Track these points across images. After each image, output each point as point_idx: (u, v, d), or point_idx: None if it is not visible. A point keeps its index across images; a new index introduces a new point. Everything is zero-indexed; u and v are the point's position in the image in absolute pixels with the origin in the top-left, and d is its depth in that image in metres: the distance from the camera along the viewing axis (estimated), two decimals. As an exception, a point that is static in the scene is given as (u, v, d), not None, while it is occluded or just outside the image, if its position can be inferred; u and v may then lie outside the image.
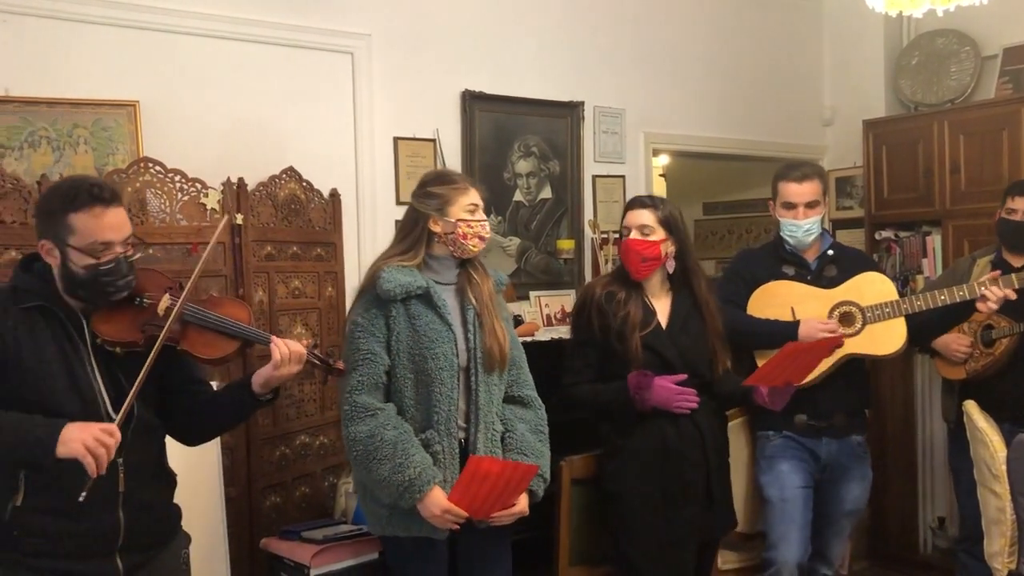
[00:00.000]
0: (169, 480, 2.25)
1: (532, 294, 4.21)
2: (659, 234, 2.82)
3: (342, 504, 3.33)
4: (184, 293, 2.09)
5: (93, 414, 1.97)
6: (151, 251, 2.99)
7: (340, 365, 2.27)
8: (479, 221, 2.55)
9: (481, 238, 2.55)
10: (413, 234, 2.57)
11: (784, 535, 3.05)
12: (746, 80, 5.03)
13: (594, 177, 4.51)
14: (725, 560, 3.34)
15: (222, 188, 3.23)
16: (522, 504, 2.49)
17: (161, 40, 3.34)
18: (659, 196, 3.12)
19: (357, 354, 2.45)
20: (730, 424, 3.16)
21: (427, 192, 2.58)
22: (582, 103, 4.43)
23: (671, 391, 2.74)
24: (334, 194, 3.67)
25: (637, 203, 2.89)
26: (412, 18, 3.94)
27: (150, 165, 3.09)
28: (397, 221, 3.86)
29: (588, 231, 4.43)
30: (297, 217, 3.50)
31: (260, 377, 2.16)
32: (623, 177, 4.61)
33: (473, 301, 2.56)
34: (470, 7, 4.11)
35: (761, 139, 5.10)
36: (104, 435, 1.86)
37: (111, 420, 1.94)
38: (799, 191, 3.12)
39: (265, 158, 3.47)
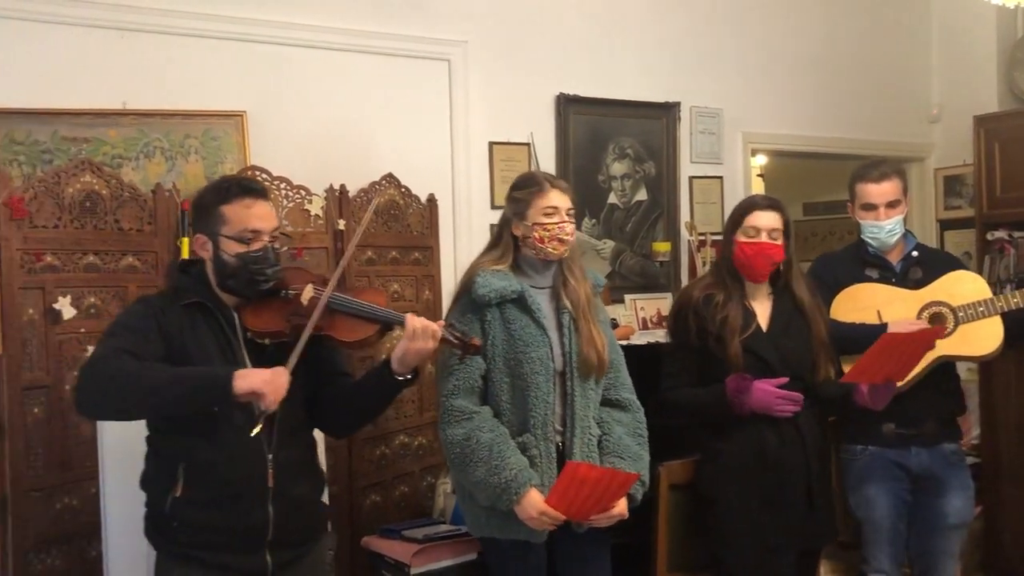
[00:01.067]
0: (318, 479, 2.34)
1: (627, 297, 4.19)
2: (783, 237, 2.77)
3: (440, 504, 3.38)
4: (331, 284, 2.19)
5: (247, 403, 2.07)
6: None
7: (476, 342, 2.28)
8: (556, 223, 2.50)
9: (560, 240, 2.51)
10: (502, 238, 2.59)
11: (875, 554, 2.98)
12: (848, 76, 4.89)
13: (691, 178, 4.45)
14: (826, 569, 3.26)
15: (325, 195, 3.32)
16: (621, 507, 2.46)
17: (267, 52, 3.46)
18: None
19: (453, 358, 2.47)
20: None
21: (511, 196, 2.60)
22: (678, 104, 4.38)
23: (771, 394, 2.67)
24: (431, 199, 3.73)
25: (765, 205, 2.79)
26: (508, 24, 3.98)
27: (257, 173, 3.19)
28: (492, 225, 3.90)
29: (685, 233, 4.38)
30: (396, 222, 3.57)
31: (397, 353, 2.20)
32: (720, 178, 4.55)
33: (568, 305, 2.54)
34: (566, 11, 4.13)
35: (864, 137, 4.95)
36: (275, 375, 1.98)
37: (262, 412, 2.04)
38: (879, 191, 3.01)
39: (365, 165, 3.55)
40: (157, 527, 2.18)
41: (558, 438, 2.50)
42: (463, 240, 3.86)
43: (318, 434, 2.41)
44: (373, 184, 3.50)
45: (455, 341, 2.25)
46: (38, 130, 3.05)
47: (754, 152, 4.78)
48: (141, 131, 3.21)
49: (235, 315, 2.19)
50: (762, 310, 2.81)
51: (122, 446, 2.62)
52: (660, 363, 2.89)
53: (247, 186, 2.18)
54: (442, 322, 2.24)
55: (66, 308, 2.77)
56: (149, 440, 2.21)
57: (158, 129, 3.24)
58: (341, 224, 3.33)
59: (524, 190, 2.56)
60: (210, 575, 2.11)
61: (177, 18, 3.28)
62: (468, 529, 2.65)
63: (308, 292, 2.21)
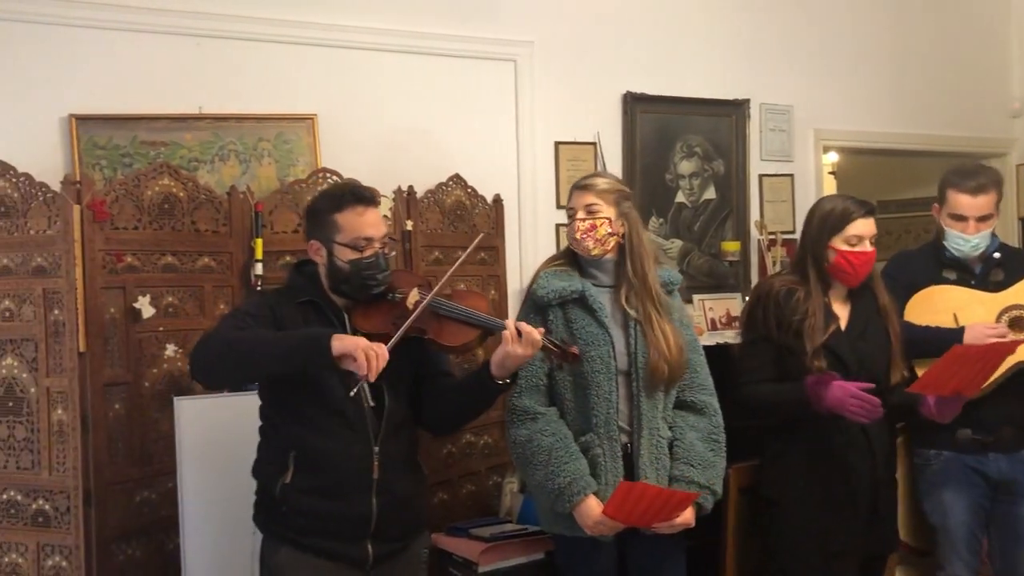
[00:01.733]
0: (420, 476, 2.39)
1: (696, 297, 4.14)
2: None
3: (507, 503, 3.39)
4: (435, 289, 2.26)
5: (355, 399, 2.14)
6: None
7: (574, 350, 2.29)
8: (580, 219, 2.52)
9: (575, 240, 2.52)
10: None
11: (951, 561, 2.89)
12: (924, 70, 4.77)
13: (760, 176, 4.39)
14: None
15: (393, 196, 3.35)
16: (686, 516, 2.43)
17: (337, 56, 3.52)
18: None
19: None
20: (900, 440, 3.00)
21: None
22: (747, 101, 4.33)
23: (847, 392, 2.53)
24: (497, 199, 3.74)
25: (864, 212, 2.68)
26: (574, 23, 3.97)
27: (327, 175, 3.24)
28: (558, 225, 3.92)
29: (754, 232, 4.31)
30: (462, 222, 3.59)
31: (496, 358, 2.23)
32: (791, 176, 4.47)
33: (633, 304, 2.52)
34: (632, 9, 4.10)
35: (940, 133, 4.81)
36: (374, 345, 2.01)
37: (371, 406, 2.12)
38: (973, 204, 2.88)
39: (432, 166, 3.59)
40: (267, 511, 2.26)
41: (624, 438, 2.48)
42: (529, 240, 3.87)
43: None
44: (440, 185, 3.53)
45: (554, 349, 2.27)
46: (118, 135, 3.15)
47: (826, 149, 4.68)
48: (216, 135, 3.29)
49: (345, 316, 2.27)
50: (841, 310, 2.74)
51: (199, 444, 2.71)
52: (733, 360, 2.83)
53: (359, 194, 2.25)
54: (542, 329, 2.25)
55: (145, 307, 2.85)
56: (262, 429, 2.30)
57: (232, 133, 3.32)
58: (409, 224, 3.36)
59: (573, 190, 2.62)
60: (314, 560, 2.19)
61: (251, 24, 3.36)
62: (539, 525, 2.65)
63: (414, 296, 2.28)
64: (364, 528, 2.21)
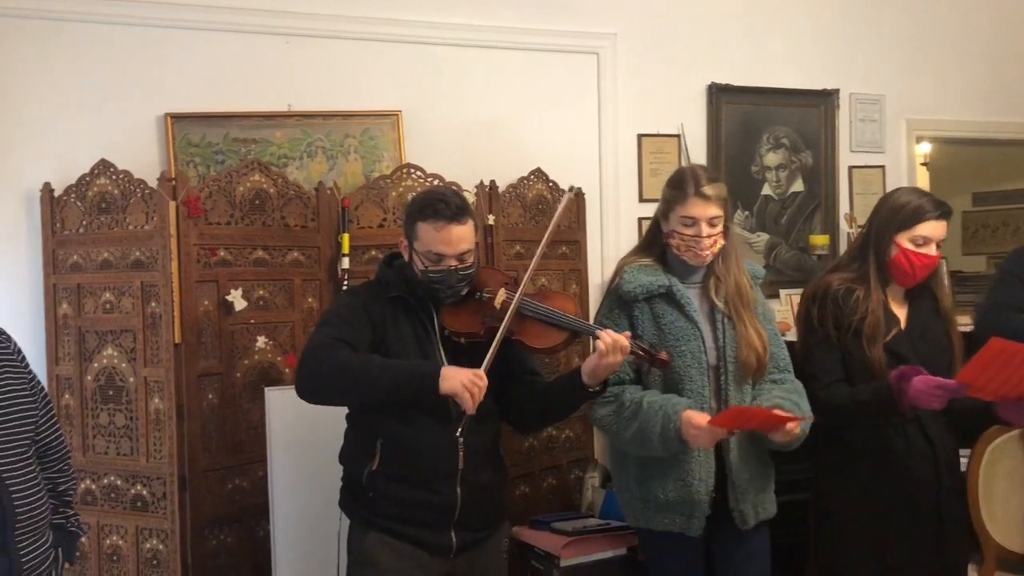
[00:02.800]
0: (501, 467, 2.43)
1: (782, 292, 4.06)
2: None
3: (589, 498, 3.38)
4: (521, 288, 2.27)
5: (451, 400, 2.18)
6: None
7: (663, 356, 2.28)
8: (692, 236, 2.42)
9: (696, 254, 2.44)
10: (650, 233, 2.59)
11: None
12: (1022, 57, 4.56)
13: (850, 168, 4.27)
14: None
15: (475, 190, 3.38)
16: (794, 430, 2.31)
17: (421, 52, 3.55)
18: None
19: None
20: (1006, 437, 2.88)
21: (663, 191, 2.55)
22: (837, 91, 4.21)
23: (930, 384, 2.37)
24: (579, 193, 3.73)
25: (938, 214, 2.55)
26: (657, 14, 3.93)
27: (412, 171, 3.28)
28: (640, 219, 3.89)
29: (844, 225, 4.20)
30: (544, 216, 3.59)
31: (587, 367, 2.25)
32: (882, 167, 4.34)
33: (722, 298, 2.48)
34: (717, -1, 4.04)
35: (1041, 121, 4.61)
36: (475, 378, 2.09)
37: (462, 413, 2.14)
38: None
39: (514, 160, 3.60)
40: (353, 497, 2.31)
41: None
42: (610, 234, 3.85)
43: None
44: (521, 179, 3.53)
45: (642, 354, 2.26)
46: (211, 133, 3.24)
47: (918, 139, 4.53)
48: (304, 132, 3.36)
49: (434, 311, 2.30)
50: (899, 311, 2.63)
51: (289, 434, 2.77)
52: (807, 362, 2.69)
53: (440, 209, 2.21)
54: (627, 333, 2.25)
55: (237, 300, 2.94)
56: (349, 417, 2.36)
57: (320, 130, 3.38)
58: (491, 219, 3.38)
59: (671, 189, 2.51)
60: (400, 545, 2.23)
61: (338, 22, 3.42)
62: (625, 520, 2.63)
63: (501, 296, 2.30)
64: (448, 516, 2.24)
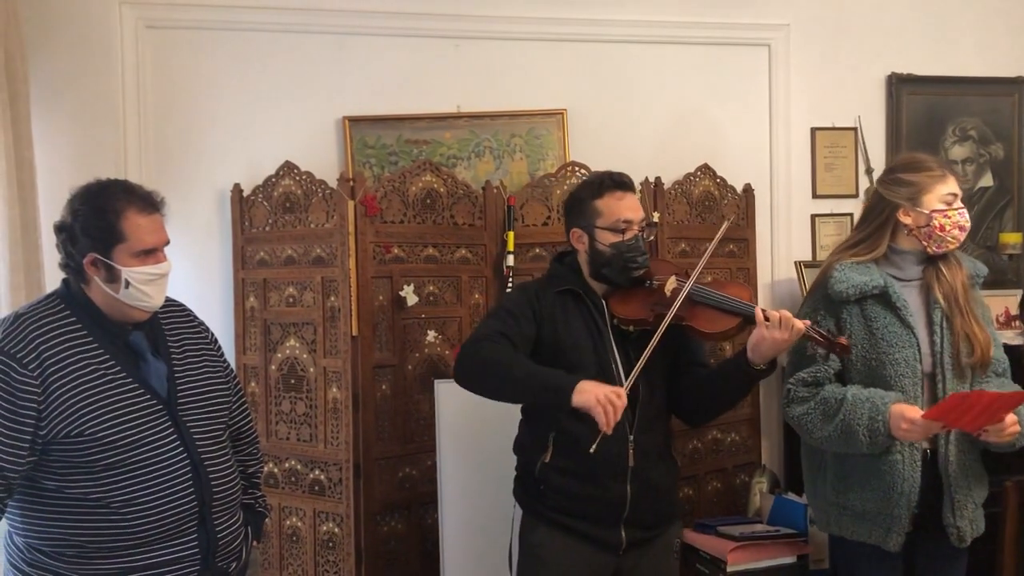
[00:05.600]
0: (673, 466, 2.41)
1: (968, 293, 3.81)
2: None
3: (756, 503, 3.29)
4: (693, 275, 2.27)
5: (609, 381, 2.19)
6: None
7: (843, 341, 2.19)
8: (958, 210, 2.29)
9: (962, 228, 2.29)
10: (875, 223, 2.37)
11: None
12: None
13: (1047, 160, 3.97)
14: None
15: (640, 187, 3.35)
16: (1013, 421, 2.16)
17: (585, 50, 3.56)
18: None
19: (802, 358, 2.36)
20: None
21: (897, 179, 2.35)
22: (1031, 78, 3.92)
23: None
24: (747, 189, 3.63)
25: None
26: (834, 4, 3.77)
27: (576, 168, 3.29)
28: (813, 215, 3.74)
29: (1039, 222, 3.91)
30: (711, 213, 3.52)
31: (752, 342, 2.19)
32: (1087, 159, 4.01)
33: (940, 299, 2.31)
34: (897, -16, 3.84)
35: None
36: (613, 395, 2.05)
37: (599, 432, 2.11)
38: None
39: (680, 156, 3.55)
40: (526, 489, 2.35)
41: (925, 444, 2.27)
42: (781, 232, 3.73)
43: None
44: (687, 175, 3.48)
45: (820, 339, 2.17)
46: (386, 135, 3.37)
47: None
48: (472, 132, 3.44)
49: (604, 302, 2.32)
50: None
51: (457, 425, 2.85)
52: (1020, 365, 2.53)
53: (618, 180, 2.34)
54: (807, 322, 2.18)
55: (410, 296, 3.04)
56: (523, 409, 2.41)
57: (487, 130, 3.45)
58: (656, 216, 3.34)
59: (919, 173, 2.33)
60: (569, 539, 2.25)
61: (505, 24, 3.47)
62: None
63: (671, 283, 2.29)
64: (618, 513, 2.24)
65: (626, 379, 2.18)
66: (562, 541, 2.25)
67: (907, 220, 2.32)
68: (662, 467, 2.32)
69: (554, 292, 2.32)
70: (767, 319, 2.13)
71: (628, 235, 2.28)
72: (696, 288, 2.25)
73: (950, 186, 2.31)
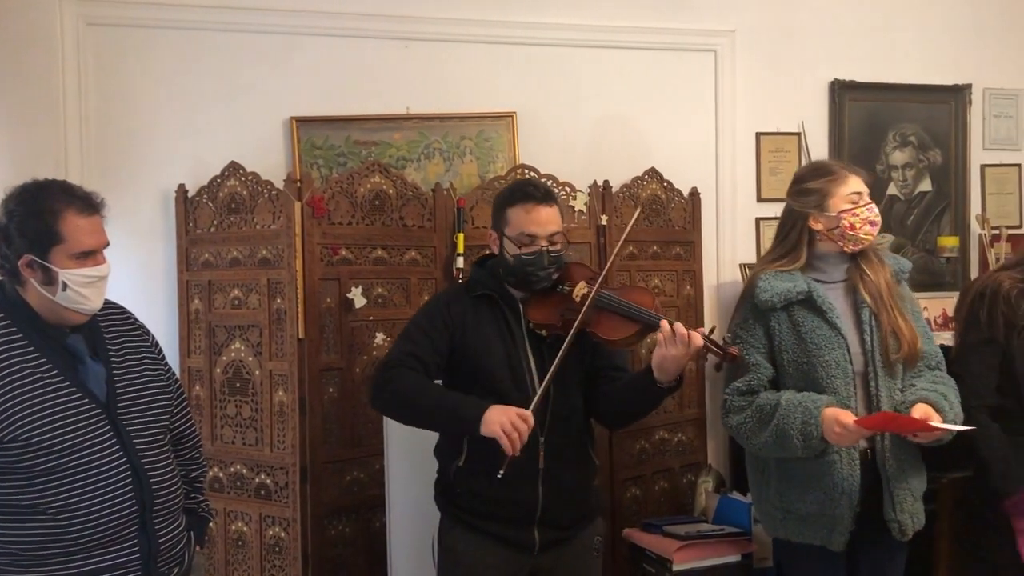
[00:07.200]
0: (588, 466, 2.40)
1: (907, 295, 3.90)
2: None
3: (702, 502, 3.33)
4: (598, 280, 2.26)
5: (521, 385, 2.24)
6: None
7: (734, 351, 2.19)
8: (865, 206, 2.34)
9: (872, 223, 2.34)
10: (792, 236, 2.42)
11: None
12: None
13: (983, 167, 4.08)
14: None
15: (589, 191, 3.37)
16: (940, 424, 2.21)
17: (536, 53, 3.57)
18: None
19: (738, 368, 2.37)
20: None
21: (802, 189, 2.42)
22: (969, 86, 4.02)
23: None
24: (694, 193, 3.68)
25: None
26: (778, 10, 3.84)
27: (526, 171, 3.31)
28: (758, 219, 3.81)
29: (975, 227, 4.01)
30: (657, 217, 3.56)
31: (655, 360, 2.19)
32: (1018, 166, 4.12)
33: (867, 298, 2.35)
34: (840, -8, 3.92)
35: None
36: (519, 420, 2.09)
37: (535, 392, 2.17)
38: None
39: (628, 160, 3.58)
40: (443, 492, 2.37)
41: (863, 443, 2.31)
42: (727, 235, 3.79)
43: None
44: (635, 179, 3.51)
45: (716, 349, 2.17)
46: (334, 136, 3.35)
47: (1061, 136, 4.28)
48: (422, 134, 3.43)
49: (520, 307, 2.32)
50: None
51: (405, 428, 2.78)
52: (950, 363, 2.55)
53: (529, 192, 2.30)
54: (702, 329, 2.18)
55: (357, 298, 3.03)
56: None
57: (437, 131, 3.45)
58: (604, 219, 3.37)
59: (821, 179, 2.39)
60: (484, 541, 2.27)
61: (454, 25, 3.47)
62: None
63: (581, 288, 2.29)
64: (531, 514, 2.25)
65: (539, 383, 2.21)
66: (477, 543, 2.27)
67: (818, 226, 2.38)
68: (575, 468, 2.32)
69: (470, 297, 2.32)
70: (671, 331, 2.12)
71: (530, 249, 2.26)
72: (602, 295, 2.24)
73: (852, 185, 2.37)
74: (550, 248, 2.28)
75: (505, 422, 2.07)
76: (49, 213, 1.84)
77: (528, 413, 2.10)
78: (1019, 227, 4.05)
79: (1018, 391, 2.46)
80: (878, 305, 2.34)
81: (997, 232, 3.95)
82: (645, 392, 2.25)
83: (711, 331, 2.20)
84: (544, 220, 2.27)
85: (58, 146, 3.12)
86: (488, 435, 2.09)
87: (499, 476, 2.08)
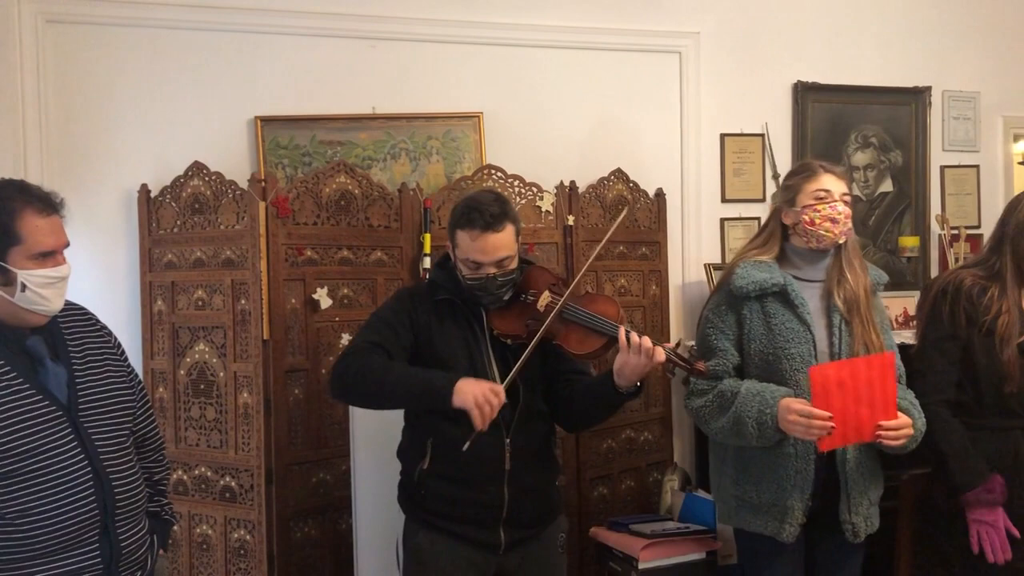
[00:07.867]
0: (552, 467, 2.42)
1: (868, 295, 3.96)
2: None
3: (668, 501, 3.35)
4: (567, 293, 2.23)
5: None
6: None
7: (701, 366, 2.19)
8: (827, 204, 2.38)
9: (833, 220, 2.36)
10: (768, 227, 2.51)
11: None
12: None
13: (942, 168, 4.15)
14: None
15: (555, 191, 3.38)
16: (904, 420, 2.25)
17: (502, 53, 3.58)
18: None
19: (705, 351, 2.44)
20: None
21: (783, 184, 2.52)
22: (928, 88, 4.09)
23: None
24: (659, 193, 3.71)
25: None
26: (741, 13, 3.88)
27: (492, 172, 3.31)
28: (723, 219, 3.84)
29: (935, 227, 4.08)
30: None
31: (616, 366, 2.19)
32: (977, 167, 4.20)
33: (840, 304, 2.38)
34: (803, -5, 3.97)
35: None
36: (490, 393, 2.07)
37: (475, 431, 2.11)
38: None
39: (595, 160, 3.60)
40: (407, 494, 2.36)
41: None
42: (692, 235, 3.82)
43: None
44: (602, 180, 3.53)
45: (681, 363, 2.16)
46: (299, 135, 3.33)
47: (1016, 138, 4.36)
48: (388, 134, 3.42)
49: (483, 312, 2.30)
50: None
51: (371, 429, 2.82)
52: (910, 360, 2.59)
53: (474, 218, 2.21)
54: (668, 344, 2.20)
55: (323, 298, 3.01)
56: (406, 415, 2.40)
57: (403, 131, 3.44)
58: (570, 220, 3.38)
59: (796, 176, 2.47)
60: (449, 542, 2.26)
61: (421, 26, 3.47)
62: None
63: (545, 299, 2.28)
64: (497, 515, 2.25)
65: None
66: (442, 544, 2.26)
67: (787, 220, 2.45)
68: (539, 469, 2.33)
69: (433, 301, 2.30)
70: (629, 343, 2.12)
71: (476, 274, 2.23)
72: (567, 306, 2.22)
73: (821, 183, 2.40)
74: (499, 274, 2.24)
75: (478, 394, 2.05)
76: (6, 213, 1.81)
77: (500, 388, 2.08)
78: (978, 227, 4.13)
79: (976, 386, 2.50)
80: (852, 313, 2.38)
81: (956, 232, 4.02)
82: (605, 397, 2.26)
83: (677, 345, 2.21)
84: (491, 248, 2.21)
85: (16, 145, 3.07)
86: (460, 406, 2.05)
87: (464, 449, 2.07)
